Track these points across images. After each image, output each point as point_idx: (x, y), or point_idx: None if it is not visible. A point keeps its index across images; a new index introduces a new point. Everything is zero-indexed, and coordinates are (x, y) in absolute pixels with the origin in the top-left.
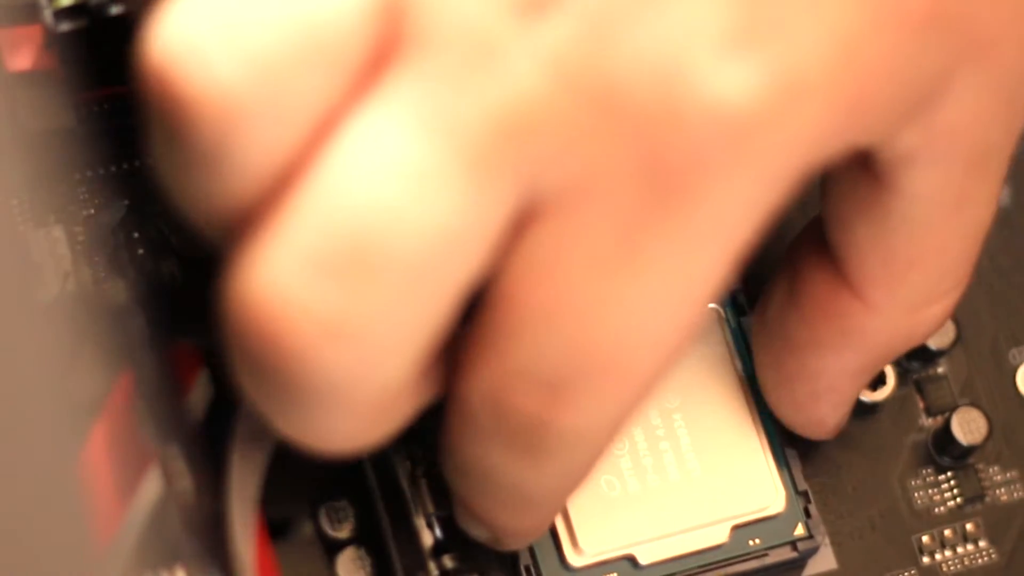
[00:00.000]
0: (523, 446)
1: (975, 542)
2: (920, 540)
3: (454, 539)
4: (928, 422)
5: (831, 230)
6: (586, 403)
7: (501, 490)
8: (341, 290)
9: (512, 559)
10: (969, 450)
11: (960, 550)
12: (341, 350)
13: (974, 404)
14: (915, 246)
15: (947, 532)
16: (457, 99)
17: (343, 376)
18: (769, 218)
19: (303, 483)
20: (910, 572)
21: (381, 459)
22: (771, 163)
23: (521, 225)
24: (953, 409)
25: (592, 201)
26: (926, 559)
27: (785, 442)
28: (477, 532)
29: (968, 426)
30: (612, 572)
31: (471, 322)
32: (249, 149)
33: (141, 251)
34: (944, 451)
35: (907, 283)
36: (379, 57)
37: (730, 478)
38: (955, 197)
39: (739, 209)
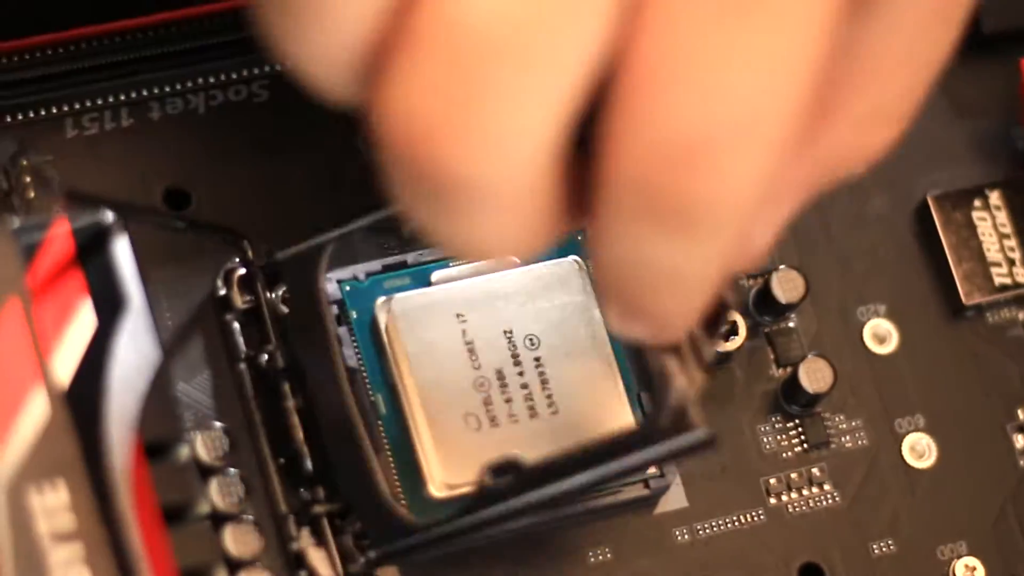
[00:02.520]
0: (675, 224)
1: (820, 485)
2: (768, 482)
3: (327, 469)
4: (778, 373)
5: None
6: (728, 165)
7: (659, 276)
8: (470, 94)
9: (375, 488)
10: (815, 398)
11: (805, 492)
12: (479, 148)
13: (821, 355)
14: (887, 53)
15: (793, 475)
16: None
17: (486, 170)
18: None
19: (181, 408)
20: (757, 512)
21: (263, 388)
22: None
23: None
24: (802, 360)
25: None
26: (773, 500)
27: (641, 388)
28: (637, 331)
29: (814, 375)
30: None
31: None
32: None
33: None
34: (792, 399)
35: (866, 96)
36: None
37: (587, 418)
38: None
39: None
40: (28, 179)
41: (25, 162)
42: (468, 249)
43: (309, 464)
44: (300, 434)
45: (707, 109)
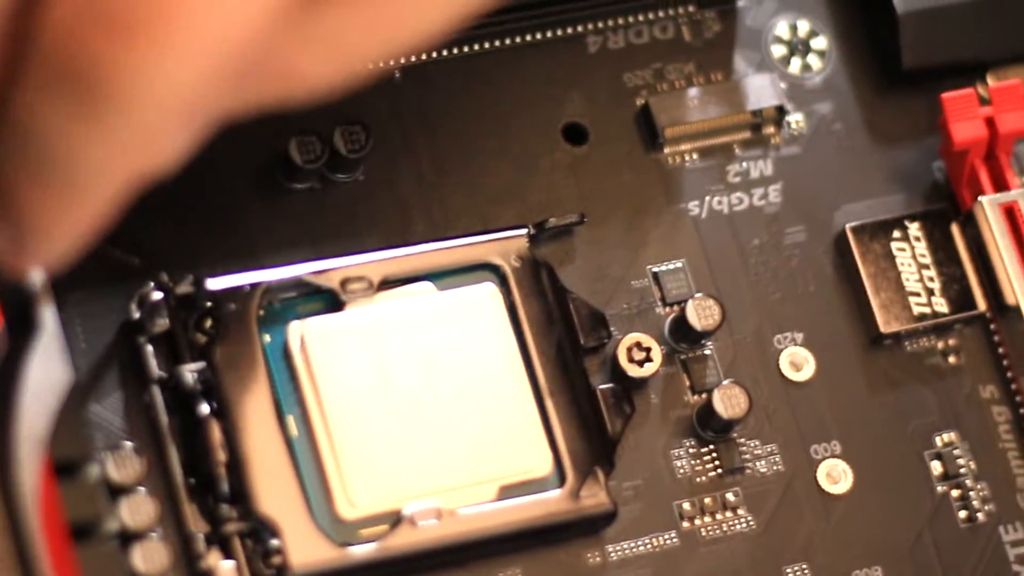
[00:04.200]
0: (81, 91)
1: (734, 510)
2: (681, 507)
3: (244, 488)
4: (693, 399)
5: None
6: (147, 47)
7: (48, 155)
8: None
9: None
10: (730, 424)
11: (719, 516)
12: None
13: (736, 382)
14: None
15: (707, 500)
16: None
17: None
18: None
19: (93, 428)
20: (670, 535)
21: (179, 409)
22: None
23: None
24: (717, 386)
25: None
26: (686, 524)
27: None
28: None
29: (729, 401)
30: (383, 524)
31: None
32: None
33: None
34: (706, 425)
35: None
36: None
37: (500, 442)
38: None
39: None
40: None
41: None
42: None
43: (223, 485)
44: (215, 455)
45: None
